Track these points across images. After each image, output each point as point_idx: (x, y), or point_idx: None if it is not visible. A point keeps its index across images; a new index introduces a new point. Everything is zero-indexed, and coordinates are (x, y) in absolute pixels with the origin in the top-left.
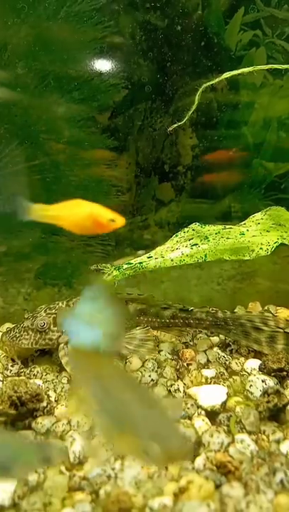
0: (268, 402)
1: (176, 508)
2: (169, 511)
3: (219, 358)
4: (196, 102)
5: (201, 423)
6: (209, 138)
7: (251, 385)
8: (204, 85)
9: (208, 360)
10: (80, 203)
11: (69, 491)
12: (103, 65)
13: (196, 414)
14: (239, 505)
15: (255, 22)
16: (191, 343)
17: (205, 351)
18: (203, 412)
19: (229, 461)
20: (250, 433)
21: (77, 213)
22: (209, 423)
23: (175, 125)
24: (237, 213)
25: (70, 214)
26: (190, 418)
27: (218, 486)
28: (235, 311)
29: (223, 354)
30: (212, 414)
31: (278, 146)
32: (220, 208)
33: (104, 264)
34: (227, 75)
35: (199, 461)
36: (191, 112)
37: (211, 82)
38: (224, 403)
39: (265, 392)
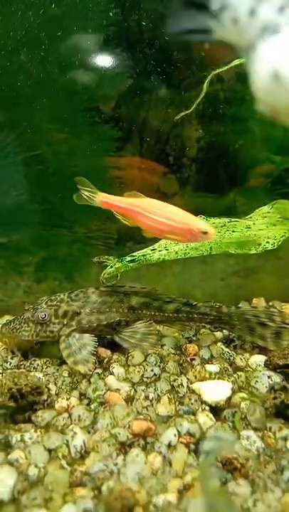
0: (274, 398)
1: (181, 506)
2: (173, 509)
3: (223, 354)
4: (205, 89)
5: (205, 419)
6: (215, 131)
7: (257, 381)
8: (213, 72)
9: (211, 356)
10: None
11: (70, 487)
12: (108, 54)
13: (200, 409)
14: (246, 503)
15: None
16: (194, 338)
17: (208, 346)
18: (207, 408)
19: (235, 458)
20: (255, 429)
21: None
22: (214, 419)
23: (182, 113)
24: (242, 207)
25: None
26: (194, 414)
27: (223, 483)
28: (239, 306)
29: (227, 350)
30: (216, 410)
31: (286, 139)
32: (225, 202)
33: (106, 257)
34: (237, 62)
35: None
36: (200, 99)
37: (220, 70)
38: (229, 399)
39: (271, 389)
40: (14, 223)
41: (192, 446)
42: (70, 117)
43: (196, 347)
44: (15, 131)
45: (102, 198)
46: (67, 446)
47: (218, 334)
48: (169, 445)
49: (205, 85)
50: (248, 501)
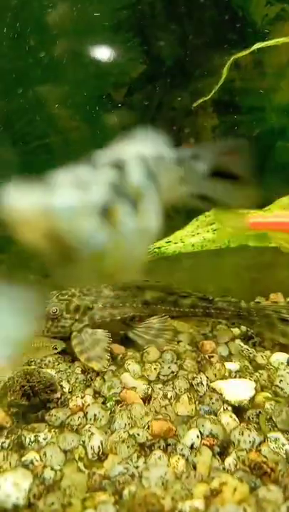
0: None
1: None
2: None
3: (242, 351)
4: (225, 75)
5: (229, 419)
6: (231, 118)
7: (281, 380)
8: (233, 57)
9: (230, 353)
10: None
11: (89, 491)
12: (120, 38)
13: (222, 409)
14: (279, 510)
15: None
16: (211, 334)
17: (226, 343)
18: (229, 408)
19: (264, 462)
20: (283, 432)
21: None
22: (237, 420)
23: (200, 100)
24: (260, 199)
25: None
26: (216, 414)
27: (253, 489)
28: (258, 301)
29: (246, 347)
30: (239, 411)
31: None
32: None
33: None
34: (258, 45)
35: (230, 461)
36: (219, 85)
37: (240, 54)
38: (252, 399)
39: None
40: None
41: (216, 449)
42: (81, 104)
43: (213, 344)
44: (22, 119)
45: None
46: (84, 447)
47: (236, 331)
48: (192, 447)
49: (225, 70)
50: (281, 508)
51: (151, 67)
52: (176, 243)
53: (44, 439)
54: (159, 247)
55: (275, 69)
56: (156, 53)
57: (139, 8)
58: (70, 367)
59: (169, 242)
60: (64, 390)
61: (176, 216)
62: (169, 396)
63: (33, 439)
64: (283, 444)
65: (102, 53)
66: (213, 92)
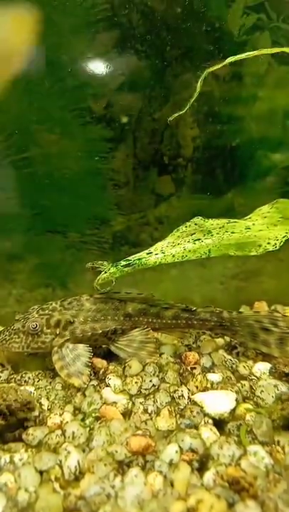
0: (282, 409)
1: None
2: None
3: (225, 362)
4: (198, 89)
5: (209, 433)
6: (211, 128)
7: (262, 391)
8: (207, 70)
9: (213, 364)
10: None
11: None
12: (98, 50)
13: (203, 423)
14: None
15: (260, 5)
16: (194, 345)
17: (209, 354)
18: (210, 421)
19: (242, 477)
20: (263, 444)
21: None
22: (217, 433)
23: (176, 114)
24: (241, 208)
25: None
26: (196, 427)
27: (231, 505)
28: (241, 311)
29: (229, 357)
30: (220, 423)
31: (284, 136)
32: (223, 203)
33: (100, 262)
34: (232, 59)
35: (209, 477)
36: (193, 98)
37: (214, 68)
38: (233, 411)
39: (278, 399)
40: (5, 229)
41: (195, 464)
42: (61, 117)
43: (197, 355)
44: (3, 132)
45: None
46: (61, 467)
47: (220, 341)
48: (171, 463)
49: (199, 84)
50: None
51: (130, 78)
52: (156, 254)
53: (20, 459)
54: (139, 259)
55: (253, 79)
56: (135, 65)
57: (115, 20)
58: (50, 383)
59: (150, 253)
60: (43, 407)
61: (160, 226)
62: (149, 410)
63: (8, 460)
64: (263, 458)
65: (81, 65)
66: (188, 105)
